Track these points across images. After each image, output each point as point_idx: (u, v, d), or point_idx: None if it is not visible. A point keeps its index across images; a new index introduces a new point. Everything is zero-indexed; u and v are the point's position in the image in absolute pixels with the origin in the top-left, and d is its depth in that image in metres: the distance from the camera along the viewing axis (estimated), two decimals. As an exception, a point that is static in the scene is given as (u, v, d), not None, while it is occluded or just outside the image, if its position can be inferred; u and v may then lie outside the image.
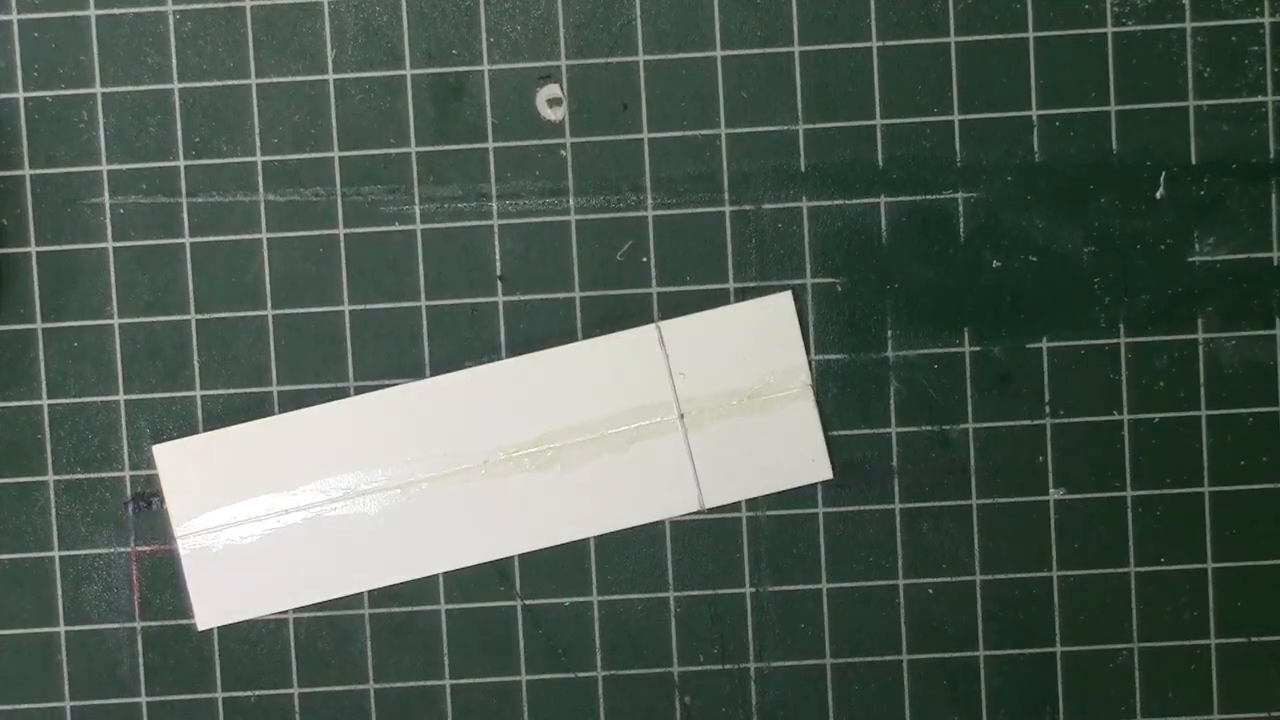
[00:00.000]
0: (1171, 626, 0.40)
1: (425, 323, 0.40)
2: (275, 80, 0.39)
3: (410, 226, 0.40)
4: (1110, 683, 0.40)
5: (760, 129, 0.39)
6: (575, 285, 0.40)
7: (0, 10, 0.39)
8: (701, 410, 0.39)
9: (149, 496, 0.40)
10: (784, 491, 0.40)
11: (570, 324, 0.40)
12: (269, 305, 0.40)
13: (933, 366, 0.40)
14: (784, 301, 0.39)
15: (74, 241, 0.40)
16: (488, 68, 0.39)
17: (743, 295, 0.40)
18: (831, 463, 0.40)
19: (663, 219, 0.40)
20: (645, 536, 0.40)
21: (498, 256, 0.40)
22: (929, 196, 0.39)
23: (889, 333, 0.40)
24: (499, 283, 0.40)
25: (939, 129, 0.39)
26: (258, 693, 0.40)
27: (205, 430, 0.40)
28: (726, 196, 0.40)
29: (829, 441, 0.40)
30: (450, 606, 0.40)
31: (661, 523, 0.40)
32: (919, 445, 0.40)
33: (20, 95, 0.39)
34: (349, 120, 0.39)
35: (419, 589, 0.40)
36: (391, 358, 0.40)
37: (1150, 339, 0.40)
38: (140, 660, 0.40)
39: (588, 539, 0.40)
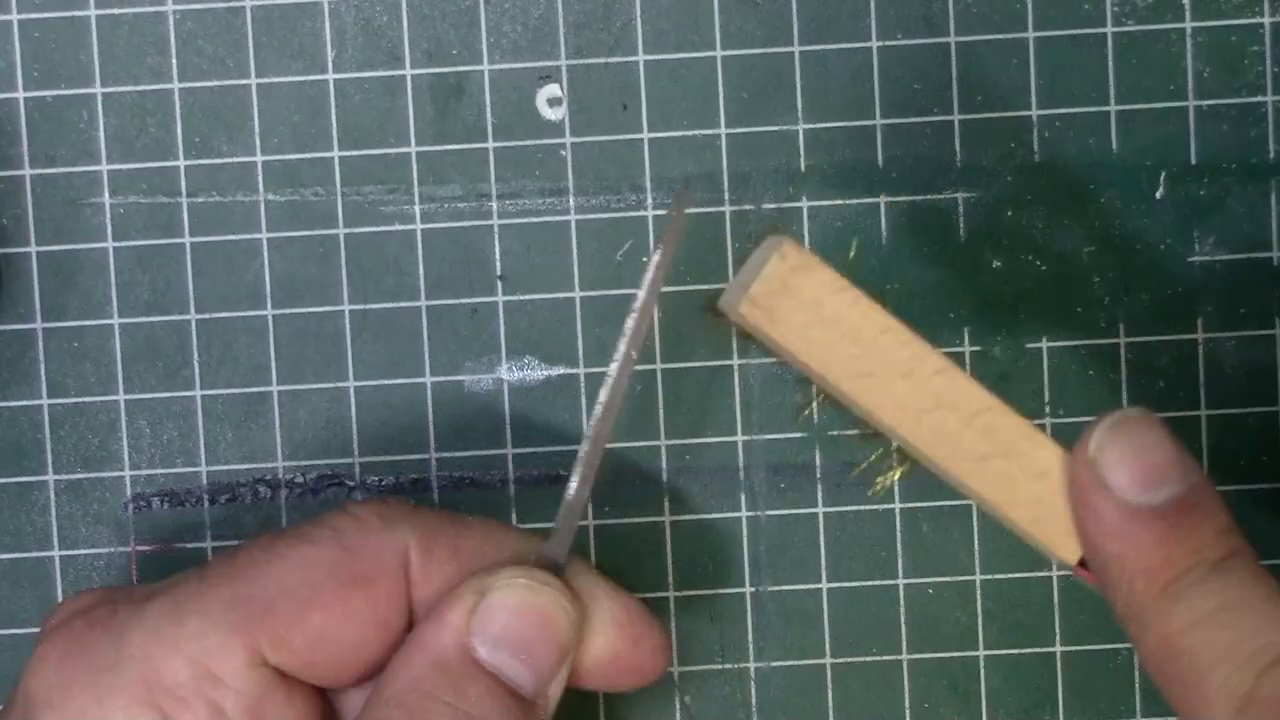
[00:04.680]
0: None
1: (425, 323, 0.40)
2: (275, 80, 0.39)
3: (410, 226, 0.40)
4: (1110, 683, 0.40)
5: (760, 129, 0.39)
6: (575, 285, 0.40)
7: (0, 10, 0.39)
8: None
9: (149, 496, 0.40)
10: (784, 491, 0.40)
11: (570, 324, 0.40)
12: (269, 305, 0.40)
13: (933, 366, 0.40)
14: None
15: (74, 241, 0.40)
16: (488, 68, 0.39)
17: (743, 295, 0.39)
18: (831, 462, 0.40)
19: (663, 219, 0.40)
20: (645, 535, 0.40)
21: (498, 256, 0.40)
22: (929, 196, 0.39)
23: (889, 333, 0.40)
24: (499, 283, 0.40)
25: (939, 129, 0.39)
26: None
27: (203, 428, 0.40)
28: (726, 196, 0.40)
29: (829, 441, 0.40)
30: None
31: (661, 522, 0.40)
32: (919, 445, 0.40)
33: (20, 95, 0.39)
34: (349, 120, 0.39)
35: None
36: (391, 357, 0.40)
37: (1150, 339, 0.39)
38: (140, 660, 0.40)
39: (587, 537, 0.40)
